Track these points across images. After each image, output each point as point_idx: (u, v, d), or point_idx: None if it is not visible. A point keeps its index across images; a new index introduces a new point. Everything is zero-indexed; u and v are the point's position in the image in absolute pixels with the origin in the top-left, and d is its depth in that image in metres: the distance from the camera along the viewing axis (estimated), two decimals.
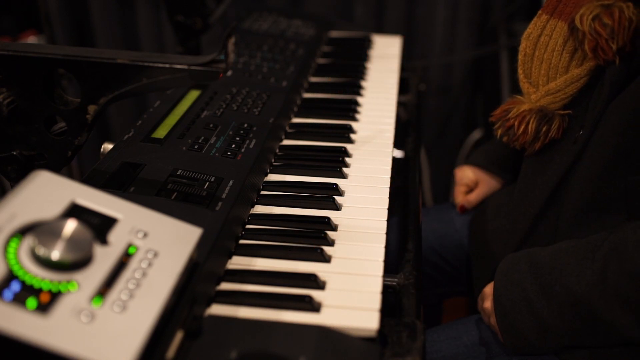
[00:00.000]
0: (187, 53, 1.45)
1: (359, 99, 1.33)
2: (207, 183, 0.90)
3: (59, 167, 0.87)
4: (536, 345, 0.92)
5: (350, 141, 1.16)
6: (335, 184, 1.00)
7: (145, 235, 0.67)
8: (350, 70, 1.46)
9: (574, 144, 0.95)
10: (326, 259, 0.85)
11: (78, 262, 0.60)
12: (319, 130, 1.20)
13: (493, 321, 0.97)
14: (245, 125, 1.09)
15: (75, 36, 2.20)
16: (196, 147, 0.99)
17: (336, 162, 1.08)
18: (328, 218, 0.92)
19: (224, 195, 0.88)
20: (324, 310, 0.76)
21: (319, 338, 0.70)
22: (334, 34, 1.70)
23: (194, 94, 1.18)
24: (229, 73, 1.29)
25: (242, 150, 1.01)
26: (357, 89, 1.37)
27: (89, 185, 0.69)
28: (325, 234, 0.88)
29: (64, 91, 0.86)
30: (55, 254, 0.59)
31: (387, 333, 0.75)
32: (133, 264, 0.64)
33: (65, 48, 0.81)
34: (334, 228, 0.92)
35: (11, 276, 0.57)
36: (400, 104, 1.38)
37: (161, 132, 1.02)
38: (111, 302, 0.59)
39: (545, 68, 0.98)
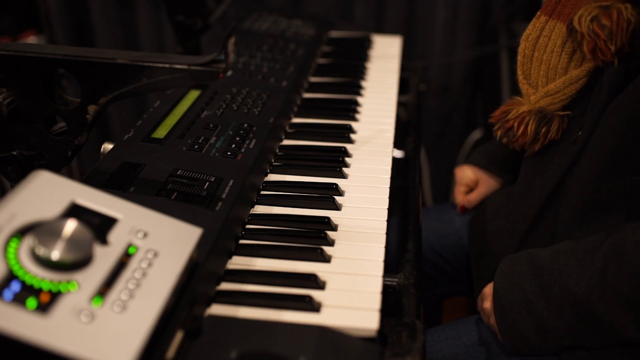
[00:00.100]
0: (187, 53, 1.45)
1: (359, 99, 1.33)
2: (207, 183, 0.90)
3: (59, 167, 0.87)
4: (536, 346, 0.92)
5: (350, 141, 1.16)
6: (335, 184, 1.00)
7: (145, 235, 0.67)
8: (350, 70, 1.46)
9: (573, 145, 0.95)
10: (326, 259, 0.85)
11: (78, 262, 0.60)
12: (319, 130, 1.20)
13: (493, 321, 0.97)
14: (245, 125, 1.09)
15: (75, 36, 2.20)
16: (196, 147, 0.99)
17: (336, 162, 1.08)
18: (328, 218, 0.92)
19: (224, 195, 0.88)
20: (324, 310, 0.76)
21: (319, 338, 0.70)
22: (334, 34, 1.70)
23: (194, 94, 1.18)
24: (229, 73, 1.29)
25: (242, 150, 1.01)
26: (357, 89, 1.37)
27: (89, 185, 0.70)
28: (325, 234, 0.88)
29: (64, 91, 0.86)
30: (55, 254, 0.59)
31: (387, 333, 0.75)
32: (133, 264, 0.64)
33: (65, 48, 0.81)
34: (334, 228, 0.92)
35: (11, 276, 0.57)
36: (400, 104, 1.38)
37: (161, 132, 1.02)
38: (111, 302, 0.59)
39: (544, 69, 0.98)
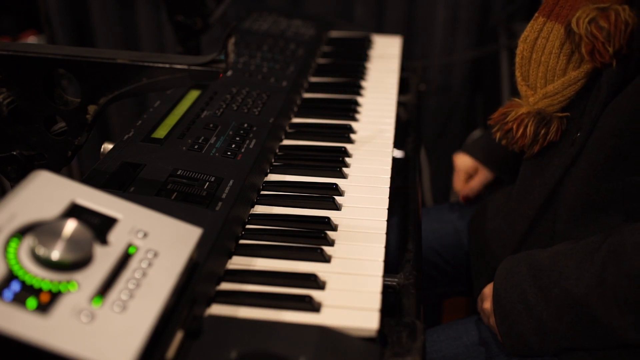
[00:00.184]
0: (187, 53, 1.45)
1: (359, 99, 1.33)
2: (207, 183, 0.90)
3: (59, 167, 0.87)
4: (535, 347, 0.92)
5: (350, 141, 1.16)
6: (335, 184, 1.00)
7: (145, 235, 0.67)
8: (350, 70, 1.46)
9: (572, 146, 0.95)
10: (326, 259, 0.85)
11: (78, 262, 0.60)
12: (319, 130, 1.20)
13: (492, 322, 0.97)
14: (245, 125, 1.09)
15: (75, 36, 2.20)
16: (196, 147, 0.99)
17: (336, 162, 1.08)
18: (328, 218, 0.92)
19: (224, 195, 0.88)
20: (324, 310, 0.76)
21: (319, 338, 0.70)
22: (334, 34, 1.70)
23: (194, 94, 1.18)
24: (229, 73, 1.29)
25: (242, 150, 1.01)
26: (357, 89, 1.37)
27: (89, 185, 0.70)
28: (325, 234, 0.88)
29: (64, 91, 0.86)
30: (55, 254, 0.59)
31: (387, 333, 0.75)
32: (133, 264, 0.64)
33: (65, 48, 0.81)
34: (334, 228, 0.92)
35: (11, 276, 0.57)
36: (400, 104, 1.38)
37: (161, 132, 1.02)
38: (111, 302, 0.59)
39: (542, 71, 0.98)
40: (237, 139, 1.04)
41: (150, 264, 0.65)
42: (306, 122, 1.23)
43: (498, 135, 1.04)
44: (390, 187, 1.03)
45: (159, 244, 0.67)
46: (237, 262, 0.85)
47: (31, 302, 0.56)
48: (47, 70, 0.81)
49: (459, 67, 2.14)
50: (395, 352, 0.73)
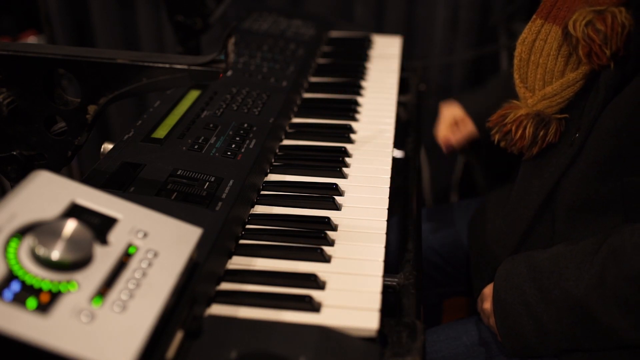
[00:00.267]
0: (187, 53, 1.45)
1: (359, 99, 1.33)
2: (207, 183, 0.90)
3: (59, 167, 0.87)
4: (536, 348, 0.92)
5: (350, 141, 1.16)
6: (335, 184, 1.00)
7: (145, 235, 0.67)
8: (350, 70, 1.46)
9: (571, 147, 0.95)
10: (326, 259, 0.85)
11: (78, 262, 0.60)
12: (319, 130, 1.20)
13: (492, 322, 0.97)
14: (245, 125, 1.09)
15: (75, 36, 2.20)
16: (196, 147, 0.99)
17: (336, 162, 1.08)
18: (328, 218, 0.92)
19: (224, 195, 0.88)
20: (324, 310, 0.76)
21: (319, 338, 0.70)
22: (334, 34, 1.70)
23: (194, 94, 1.18)
24: (229, 73, 1.29)
25: (242, 150, 1.01)
26: (357, 89, 1.37)
27: (89, 185, 0.70)
28: (325, 234, 0.88)
29: (64, 91, 0.86)
30: (55, 254, 0.59)
31: (387, 333, 0.75)
32: (133, 264, 0.64)
33: (65, 48, 0.81)
34: (334, 228, 0.92)
35: (11, 276, 0.57)
36: (400, 104, 1.38)
37: (161, 132, 1.02)
38: (111, 302, 0.59)
39: (541, 72, 0.98)
40: (237, 139, 1.04)
41: (150, 264, 0.65)
42: (306, 122, 1.23)
43: (497, 137, 1.04)
44: (390, 187, 1.03)
45: (159, 244, 0.67)
46: (237, 262, 0.85)
47: (31, 302, 0.56)
48: (47, 70, 0.81)
49: (459, 67, 2.14)
50: (395, 352, 0.73)
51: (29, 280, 0.57)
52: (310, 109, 1.29)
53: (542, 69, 0.98)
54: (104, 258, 0.63)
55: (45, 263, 0.59)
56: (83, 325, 0.56)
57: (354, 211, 0.96)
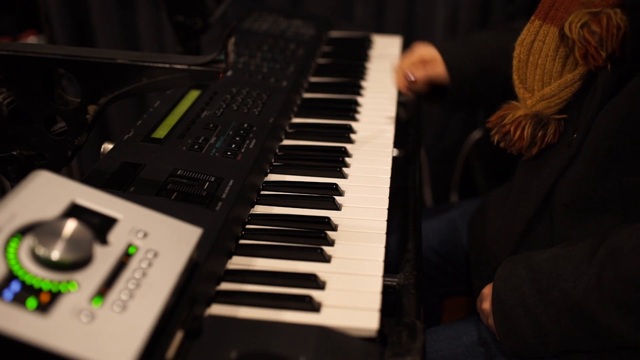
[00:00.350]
0: (187, 53, 1.45)
1: (359, 99, 1.33)
2: (207, 183, 0.90)
3: (59, 167, 0.87)
4: (535, 349, 0.92)
5: (350, 141, 1.16)
6: (335, 184, 1.00)
7: (145, 235, 0.67)
8: (350, 70, 1.46)
9: (569, 147, 0.96)
10: (326, 259, 0.85)
11: (78, 262, 0.60)
12: (319, 130, 1.20)
13: (491, 322, 0.97)
14: (245, 125, 1.09)
15: (75, 36, 2.20)
16: (196, 147, 0.99)
17: (336, 162, 1.08)
18: (328, 218, 0.92)
19: (224, 195, 0.88)
20: (324, 310, 0.76)
21: (319, 338, 0.70)
22: (334, 34, 1.70)
23: (194, 94, 1.18)
24: (229, 73, 1.29)
25: (242, 150, 1.01)
26: (357, 89, 1.37)
27: (89, 185, 0.70)
28: (325, 234, 0.88)
29: (64, 91, 0.86)
30: (55, 254, 0.59)
31: (387, 333, 0.75)
32: (133, 264, 0.64)
33: (65, 48, 0.81)
34: (334, 228, 0.92)
35: (11, 276, 0.57)
36: (400, 104, 1.38)
37: (161, 132, 1.02)
38: (111, 302, 0.59)
39: (539, 73, 0.98)
40: (237, 139, 1.04)
41: (150, 264, 0.65)
42: (306, 122, 1.24)
43: (496, 138, 1.04)
44: (390, 187, 1.03)
45: (159, 244, 0.67)
46: (237, 262, 0.85)
47: (31, 302, 0.56)
48: (47, 70, 0.81)
49: None
50: (395, 352, 0.73)
51: (29, 280, 0.57)
52: (310, 109, 1.29)
53: (540, 70, 0.98)
54: (104, 258, 0.63)
55: (45, 263, 0.59)
56: (83, 325, 0.56)
57: (354, 211, 0.96)
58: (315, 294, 0.78)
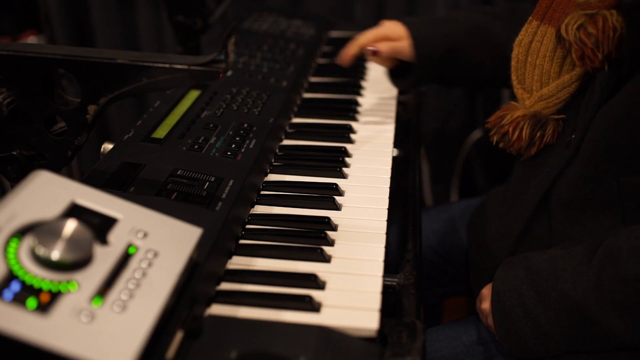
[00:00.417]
0: (187, 53, 1.45)
1: (359, 99, 1.33)
2: (207, 183, 0.90)
3: (59, 167, 0.87)
4: (534, 349, 0.92)
5: (350, 141, 1.16)
6: (335, 184, 1.00)
7: (145, 235, 0.67)
8: (350, 70, 1.46)
9: (567, 147, 0.96)
10: (326, 259, 0.85)
11: (78, 262, 0.60)
12: (319, 130, 1.20)
13: (491, 322, 0.97)
14: (245, 125, 1.09)
15: (75, 36, 2.20)
16: (196, 147, 0.99)
17: (336, 162, 1.08)
18: (328, 218, 0.92)
19: (224, 195, 0.88)
20: (324, 310, 0.76)
21: (318, 338, 0.70)
22: (334, 34, 1.70)
23: (194, 94, 1.18)
24: (229, 73, 1.29)
25: (242, 150, 1.01)
26: (357, 89, 1.37)
27: (89, 185, 0.70)
28: (325, 234, 0.88)
29: (64, 91, 0.86)
30: (55, 254, 0.59)
31: (387, 333, 0.75)
32: (133, 264, 0.64)
33: (65, 48, 0.81)
34: (334, 228, 0.92)
35: (11, 276, 0.57)
36: (400, 104, 1.38)
37: (161, 132, 1.02)
38: (111, 302, 0.59)
39: (537, 74, 0.98)
40: (237, 139, 1.04)
41: (150, 264, 0.65)
42: (306, 122, 1.24)
43: (495, 138, 1.05)
44: (390, 187, 1.03)
45: (159, 244, 0.67)
46: (237, 262, 0.85)
47: (31, 302, 0.56)
48: (47, 70, 0.81)
49: None
50: (395, 352, 0.73)
51: (29, 280, 0.57)
52: (310, 109, 1.29)
53: (538, 70, 0.98)
54: (104, 258, 0.63)
55: (45, 263, 0.59)
56: (83, 325, 0.56)
57: (354, 211, 0.96)
58: (315, 294, 0.78)
